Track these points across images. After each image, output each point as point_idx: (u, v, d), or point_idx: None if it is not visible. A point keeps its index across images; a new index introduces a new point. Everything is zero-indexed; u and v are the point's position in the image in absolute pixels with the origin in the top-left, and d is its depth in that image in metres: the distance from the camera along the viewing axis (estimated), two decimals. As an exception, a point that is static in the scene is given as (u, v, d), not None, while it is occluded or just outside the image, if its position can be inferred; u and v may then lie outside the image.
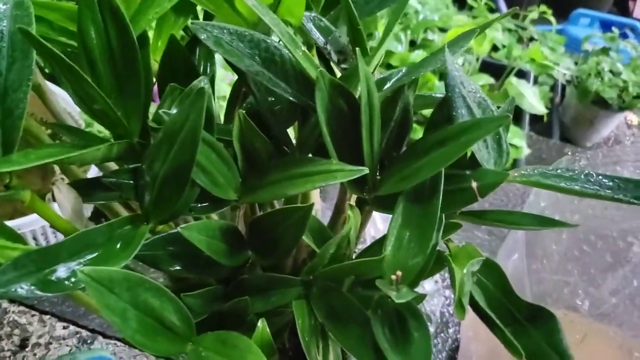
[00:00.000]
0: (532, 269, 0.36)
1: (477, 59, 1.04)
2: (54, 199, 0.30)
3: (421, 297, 0.27)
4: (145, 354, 0.55)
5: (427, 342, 0.24)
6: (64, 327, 0.57)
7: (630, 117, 1.19)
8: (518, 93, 0.93)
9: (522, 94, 0.94)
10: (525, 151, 0.89)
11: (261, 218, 0.30)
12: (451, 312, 0.61)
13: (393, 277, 0.25)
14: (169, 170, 0.25)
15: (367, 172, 0.25)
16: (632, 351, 0.55)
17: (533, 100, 0.93)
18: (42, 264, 0.23)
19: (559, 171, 0.26)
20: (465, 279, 0.24)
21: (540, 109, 0.95)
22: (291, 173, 0.27)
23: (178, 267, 0.29)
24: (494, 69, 1.05)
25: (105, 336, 0.57)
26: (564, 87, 1.16)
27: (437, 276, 0.64)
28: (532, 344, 0.24)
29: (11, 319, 0.58)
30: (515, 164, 0.89)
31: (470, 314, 0.54)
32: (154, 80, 0.30)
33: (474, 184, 0.26)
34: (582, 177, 0.25)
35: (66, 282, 0.23)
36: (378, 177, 0.29)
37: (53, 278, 0.23)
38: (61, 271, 0.24)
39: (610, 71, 1.00)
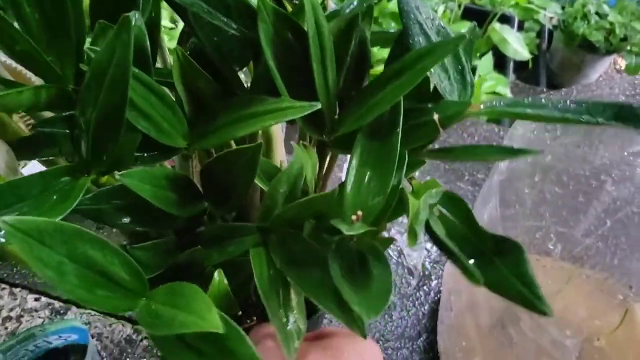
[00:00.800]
0: (506, 215, 0.35)
1: (460, 6, 1.00)
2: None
3: (387, 241, 0.26)
4: (122, 321, 0.54)
5: (388, 279, 0.23)
6: (36, 299, 0.56)
7: (619, 61, 1.16)
8: (501, 39, 0.90)
9: (505, 40, 0.90)
10: (510, 99, 0.86)
11: (211, 163, 0.28)
12: (433, 265, 0.60)
13: (354, 217, 0.24)
14: (101, 113, 0.23)
15: (320, 107, 0.24)
16: (615, 294, 0.54)
17: (517, 45, 0.90)
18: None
19: (525, 101, 0.24)
20: (421, 209, 0.22)
21: (524, 54, 0.92)
22: (240, 114, 0.25)
23: (126, 220, 0.27)
24: (477, 15, 1.01)
25: (79, 306, 0.55)
26: (550, 33, 1.13)
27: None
28: (498, 275, 0.23)
29: (-20, 294, 0.56)
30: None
31: (451, 266, 0.53)
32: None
33: (436, 117, 0.25)
34: (550, 104, 0.23)
35: (-7, 237, 0.21)
36: (337, 117, 0.27)
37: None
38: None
39: (597, 13, 0.97)
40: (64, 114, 0.26)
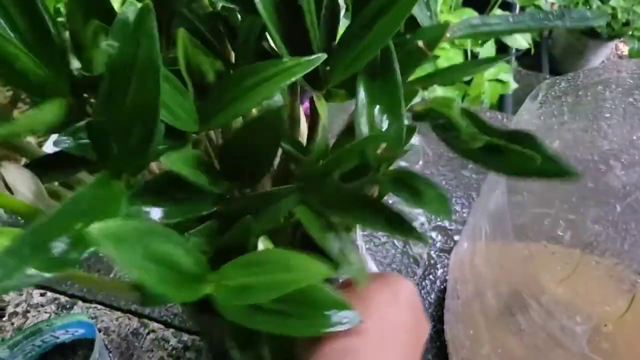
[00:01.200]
0: (513, 201, 0.34)
1: (461, -7, 0.99)
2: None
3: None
4: (128, 315, 0.54)
5: (437, 189, 0.26)
6: (42, 295, 0.56)
7: (620, 47, 1.15)
8: (503, 26, 0.89)
9: (506, 27, 0.89)
10: (513, 86, 0.86)
11: (230, 141, 0.28)
12: (439, 254, 0.60)
13: (378, 151, 0.26)
14: (133, 111, 0.23)
15: (325, 58, 0.25)
16: (624, 280, 0.54)
17: (517, 33, 0.89)
18: (36, 245, 0.21)
19: (497, 20, 0.27)
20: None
21: (522, 43, 0.91)
22: (246, 84, 0.26)
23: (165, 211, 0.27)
24: (478, 2, 1.00)
25: (85, 300, 0.55)
26: (552, 19, 1.12)
27: (423, 218, 0.63)
28: (516, 156, 0.24)
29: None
30: (502, 100, 0.86)
31: (457, 256, 0.53)
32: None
33: (421, 43, 0.27)
34: (519, 18, 0.26)
35: (69, 256, 0.21)
36: (327, 69, 0.28)
37: (54, 255, 0.21)
38: (58, 247, 0.21)
39: (599, -2, 0.96)
40: (78, 124, 0.25)
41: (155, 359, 0.51)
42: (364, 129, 0.27)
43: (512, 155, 0.24)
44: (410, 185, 0.27)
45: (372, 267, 0.56)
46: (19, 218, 0.33)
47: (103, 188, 0.24)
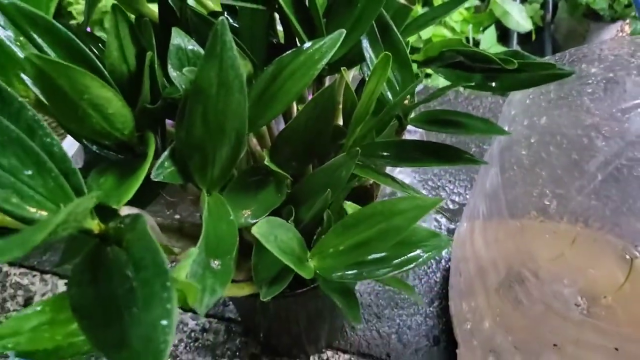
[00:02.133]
0: (505, 177, 0.36)
1: (461, -19, 1.00)
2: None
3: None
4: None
5: (475, 118, 0.34)
6: (66, 284, 0.59)
7: (625, 28, 1.15)
8: (504, 12, 0.91)
9: (507, 12, 0.91)
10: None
11: (287, 130, 0.31)
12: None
13: (406, 101, 0.33)
14: (223, 125, 0.26)
15: (345, 33, 0.28)
16: (621, 253, 0.55)
17: (519, 17, 0.91)
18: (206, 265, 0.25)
19: None
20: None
21: (526, 26, 0.92)
22: (283, 77, 0.29)
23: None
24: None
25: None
26: (555, 3, 1.13)
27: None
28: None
29: (13, 281, 0.59)
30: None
31: (459, 235, 0.55)
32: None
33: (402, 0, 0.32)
34: None
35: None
36: None
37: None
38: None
39: (600, -20, 0.97)
40: (164, 155, 0.28)
41: (175, 340, 0.54)
42: (384, 88, 0.33)
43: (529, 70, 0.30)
44: (448, 120, 0.33)
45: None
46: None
47: (217, 206, 0.27)
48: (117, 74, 0.28)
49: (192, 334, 0.55)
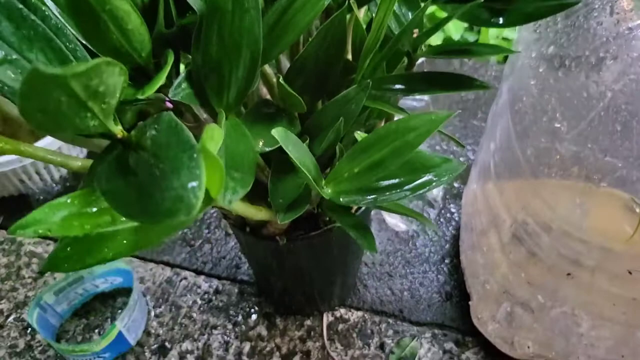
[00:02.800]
0: (515, 109, 0.37)
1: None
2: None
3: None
4: (161, 265, 0.58)
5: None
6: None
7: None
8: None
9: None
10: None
11: (300, 59, 0.32)
12: (452, 199, 0.62)
13: (414, 34, 0.34)
14: (239, 42, 0.27)
15: None
16: (633, 207, 0.56)
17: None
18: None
19: None
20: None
21: None
22: (295, 7, 0.29)
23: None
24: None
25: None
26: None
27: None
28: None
29: (27, 250, 0.60)
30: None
31: (469, 191, 0.55)
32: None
33: None
34: None
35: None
36: None
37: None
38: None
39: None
40: (180, 77, 0.28)
41: (189, 302, 0.55)
42: (392, 23, 0.34)
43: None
44: (456, 49, 0.34)
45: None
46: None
47: (235, 128, 0.28)
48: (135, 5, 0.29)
49: (206, 296, 0.55)
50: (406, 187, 0.32)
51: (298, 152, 0.28)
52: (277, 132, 0.25)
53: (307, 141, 0.31)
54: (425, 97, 0.72)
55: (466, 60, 0.80)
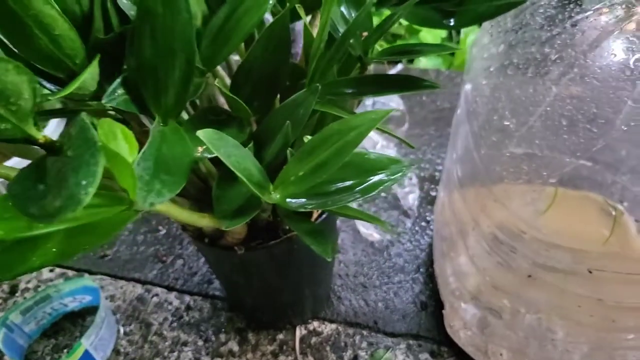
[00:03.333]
0: (470, 111, 0.36)
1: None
2: None
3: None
4: (132, 282, 0.57)
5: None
6: (50, 270, 0.59)
7: None
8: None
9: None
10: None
11: (245, 64, 0.32)
12: (424, 205, 0.62)
13: (364, 35, 0.34)
14: (171, 44, 0.26)
15: None
16: (606, 209, 0.55)
17: None
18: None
19: None
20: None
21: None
22: (239, 13, 0.30)
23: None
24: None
25: (91, 273, 0.58)
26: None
27: (413, 175, 0.65)
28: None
29: (-2, 270, 0.59)
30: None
31: (439, 201, 0.54)
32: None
33: None
34: None
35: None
36: None
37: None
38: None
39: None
40: (115, 83, 0.28)
41: (160, 319, 0.54)
42: (340, 27, 0.34)
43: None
44: (405, 50, 0.34)
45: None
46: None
47: (173, 133, 0.28)
48: (70, 14, 0.28)
49: (177, 312, 0.54)
50: (357, 189, 0.31)
51: (236, 156, 0.27)
52: (204, 134, 0.25)
53: (251, 145, 0.31)
54: (401, 106, 0.72)
55: (443, 70, 0.80)
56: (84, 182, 0.16)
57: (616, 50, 0.29)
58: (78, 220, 0.22)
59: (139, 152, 0.23)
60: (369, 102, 0.72)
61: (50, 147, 0.23)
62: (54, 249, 0.23)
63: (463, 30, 0.89)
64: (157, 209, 0.26)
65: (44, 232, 0.21)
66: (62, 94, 0.22)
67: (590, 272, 0.34)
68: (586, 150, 0.29)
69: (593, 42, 0.29)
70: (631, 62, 0.28)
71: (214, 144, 0.25)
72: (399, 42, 0.95)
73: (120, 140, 0.19)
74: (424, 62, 0.85)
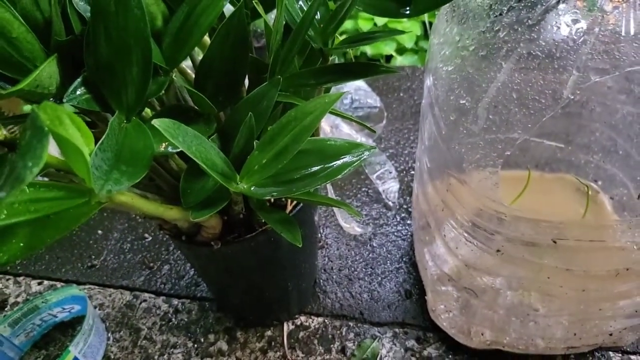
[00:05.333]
0: (431, 95, 0.37)
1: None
2: None
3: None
4: (120, 290, 0.57)
5: None
6: (39, 283, 0.59)
7: None
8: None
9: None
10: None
11: (205, 60, 0.32)
12: (404, 197, 0.63)
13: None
14: (127, 42, 0.27)
15: None
16: (583, 189, 0.56)
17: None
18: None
19: None
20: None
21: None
22: (197, 12, 0.31)
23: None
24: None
25: (79, 283, 0.59)
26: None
27: (392, 169, 0.65)
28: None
29: (-12, 286, 0.60)
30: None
31: (414, 192, 0.55)
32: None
33: None
34: None
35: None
36: None
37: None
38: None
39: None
40: (75, 82, 0.29)
41: (149, 323, 0.54)
42: (297, 19, 0.35)
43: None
44: (362, 38, 0.35)
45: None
46: None
47: (136, 129, 0.28)
48: (31, 20, 0.29)
49: (165, 316, 0.55)
50: (321, 174, 0.32)
51: (197, 146, 0.28)
52: (160, 122, 0.25)
53: (214, 137, 0.32)
54: (378, 102, 0.73)
55: (419, 66, 0.81)
56: (29, 164, 0.17)
57: (559, 23, 0.30)
58: (40, 212, 0.23)
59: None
60: (347, 101, 0.73)
61: (12, 144, 0.24)
62: (21, 244, 0.24)
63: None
64: (120, 199, 0.27)
65: (6, 224, 0.22)
66: (13, 90, 0.23)
67: (555, 242, 0.35)
68: (536, 121, 0.30)
69: (537, 17, 0.30)
70: (573, 33, 0.29)
71: (171, 133, 0.25)
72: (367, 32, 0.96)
73: (68, 126, 0.20)
74: (400, 60, 0.86)
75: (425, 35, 0.93)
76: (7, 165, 0.22)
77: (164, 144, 0.30)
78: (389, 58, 0.90)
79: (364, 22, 0.90)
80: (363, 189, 0.65)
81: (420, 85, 0.77)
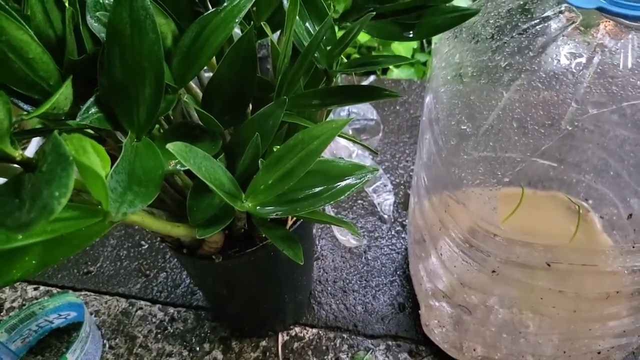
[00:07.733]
0: (432, 117, 0.38)
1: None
2: None
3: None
4: (116, 297, 0.58)
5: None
6: (35, 289, 0.59)
7: None
8: None
9: None
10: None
11: (214, 80, 0.33)
12: (399, 210, 0.64)
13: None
14: (141, 63, 0.28)
15: None
16: (574, 208, 0.57)
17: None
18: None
19: None
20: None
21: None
22: (205, 34, 0.31)
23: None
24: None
25: (76, 289, 0.59)
26: None
27: (389, 185, 0.66)
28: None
29: (-17, 290, 0.60)
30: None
31: (410, 207, 0.56)
32: None
33: None
34: None
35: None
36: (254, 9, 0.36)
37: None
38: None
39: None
40: (88, 102, 0.29)
41: (145, 331, 0.55)
42: (305, 42, 0.36)
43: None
44: (368, 62, 0.36)
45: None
46: None
47: (146, 148, 0.29)
48: (44, 38, 0.30)
49: (161, 324, 0.55)
50: (325, 195, 0.33)
51: (207, 167, 0.29)
52: (174, 146, 0.26)
53: (222, 156, 0.33)
54: (375, 115, 0.74)
55: (416, 80, 0.83)
56: (56, 194, 0.17)
57: (560, 55, 0.31)
58: (56, 232, 0.24)
59: (112, 166, 0.24)
60: (344, 114, 0.74)
61: (27, 164, 0.24)
62: (33, 261, 0.25)
63: (434, 40, 0.91)
64: (131, 219, 0.27)
65: (21, 245, 0.23)
66: (35, 114, 0.24)
67: (549, 265, 0.36)
68: (535, 150, 0.31)
69: (538, 49, 0.31)
70: (573, 66, 0.30)
71: (183, 156, 0.26)
72: (374, 54, 0.98)
73: (91, 154, 0.20)
74: (397, 73, 0.87)
75: (422, 48, 0.94)
76: (25, 186, 0.22)
77: (172, 162, 0.30)
78: (385, 71, 0.91)
79: (363, 35, 0.91)
80: (359, 202, 0.66)
81: (416, 99, 0.78)
